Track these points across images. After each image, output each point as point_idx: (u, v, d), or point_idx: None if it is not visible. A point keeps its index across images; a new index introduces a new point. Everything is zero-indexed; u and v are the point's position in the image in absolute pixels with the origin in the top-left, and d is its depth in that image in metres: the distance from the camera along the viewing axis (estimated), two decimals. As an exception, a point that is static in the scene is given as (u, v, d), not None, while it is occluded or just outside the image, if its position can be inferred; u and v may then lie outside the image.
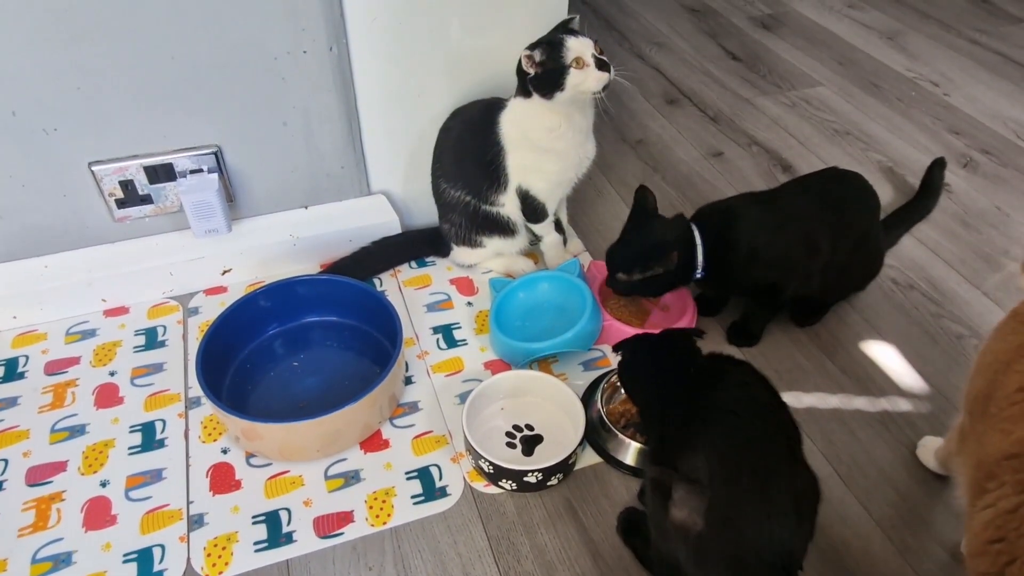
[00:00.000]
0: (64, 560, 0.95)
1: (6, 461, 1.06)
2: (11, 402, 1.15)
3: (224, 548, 0.96)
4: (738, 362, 0.91)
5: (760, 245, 1.12)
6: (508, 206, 1.26)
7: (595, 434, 1.08)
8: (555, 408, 1.12)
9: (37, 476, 1.05)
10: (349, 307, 1.22)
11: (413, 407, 1.15)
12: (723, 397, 0.84)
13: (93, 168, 1.21)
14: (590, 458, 1.07)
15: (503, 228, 1.29)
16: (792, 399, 1.16)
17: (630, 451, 1.05)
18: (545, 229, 1.32)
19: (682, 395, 0.86)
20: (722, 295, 1.30)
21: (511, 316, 1.24)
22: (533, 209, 1.25)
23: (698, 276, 1.14)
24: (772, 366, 1.21)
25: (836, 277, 1.21)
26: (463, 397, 1.13)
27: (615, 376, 1.12)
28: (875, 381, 1.19)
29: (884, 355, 1.24)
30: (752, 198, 1.20)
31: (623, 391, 1.09)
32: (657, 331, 1.00)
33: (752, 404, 0.84)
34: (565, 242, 1.39)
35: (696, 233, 1.12)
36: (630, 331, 1.21)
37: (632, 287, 1.15)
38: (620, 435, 1.06)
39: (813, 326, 1.28)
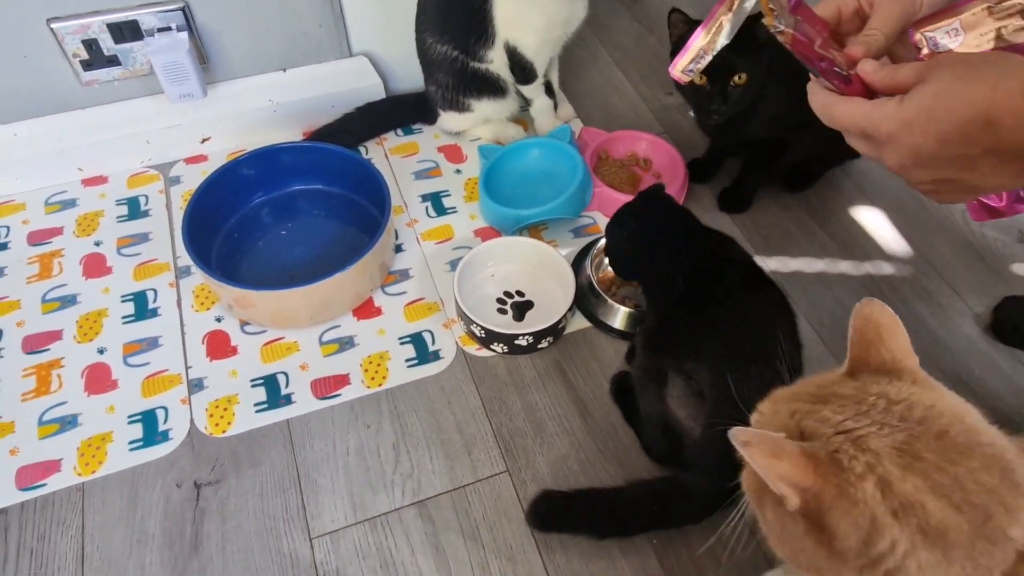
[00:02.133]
0: (70, 422, 0.98)
1: (1, 331, 1.07)
2: (-2, 273, 1.14)
3: (226, 409, 1.00)
4: (736, 250, 0.91)
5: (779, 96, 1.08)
6: (497, 62, 1.20)
7: (585, 300, 1.10)
8: (545, 274, 1.12)
9: (34, 344, 1.06)
10: (335, 175, 1.20)
11: (404, 275, 1.16)
12: (726, 296, 0.84)
13: (52, 25, 1.13)
14: (580, 323, 1.10)
15: (492, 88, 1.24)
16: (778, 264, 1.18)
17: (619, 316, 1.08)
18: (535, 92, 1.27)
19: (684, 273, 0.86)
20: (723, 151, 1.26)
21: (501, 183, 1.22)
22: (522, 68, 1.20)
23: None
24: (761, 232, 1.22)
25: (834, 142, 1.18)
26: (453, 264, 1.14)
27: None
28: (861, 246, 1.20)
29: (873, 221, 1.24)
30: None
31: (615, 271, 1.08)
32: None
33: (754, 301, 0.85)
34: (556, 107, 1.34)
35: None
36: (621, 198, 1.20)
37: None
38: (610, 301, 1.08)
39: (804, 192, 1.27)
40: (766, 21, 0.53)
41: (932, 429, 0.48)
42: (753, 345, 0.80)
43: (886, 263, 1.18)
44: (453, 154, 1.33)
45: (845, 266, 1.18)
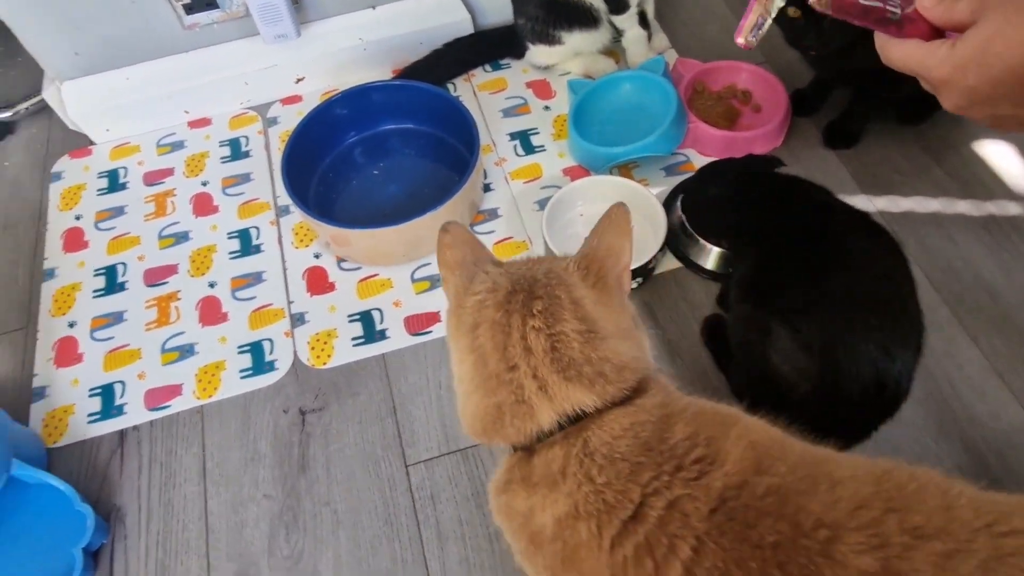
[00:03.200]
0: (188, 350, 1.06)
1: (125, 264, 1.16)
2: (119, 211, 1.23)
3: (325, 343, 1.05)
4: (842, 204, 0.86)
5: None
6: None
7: (676, 239, 1.07)
8: (635, 214, 1.09)
9: (153, 278, 1.14)
10: (425, 114, 1.20)
11: (492, 214, 1.16)
12: (836, 245, 0.80)
13: (156, -30, 1.17)
14: (670, 263, 1.08)
15: (584, 19, 1.20)
16: (888, 203, 1.10)
17: (711, 256, 1.05)
18: (628, 22, 1.21)
19: (783, 230, 0.83)
20: (829, 82, 1.18)
21: (591, 120, 1.19)
22: (615, -3, 1.15)
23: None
24: (869, 169, 1.14)
25: None
26: (542, 204, 1.13)
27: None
28: (984, 184, 1.11)
29: (1000, 157, 1.14)
30: None
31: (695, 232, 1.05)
32: (737, 156, 0.95)
33: (870, 255, 0.80)
34: (650, 38, 1.28)
35: None
36: (717, 134, 1.15)
37: None
38: (702, 241, 1.05)
39: (920, 126, 1.18)
40: None
41: None
42: (869, 297, 0.76)
43: (1013, 203, 1.09)
44: (542, 90, 1.30)
45: (964, 206, 1.09)
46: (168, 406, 1.02)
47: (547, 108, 1.28)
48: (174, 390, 1.03)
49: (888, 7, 0.54)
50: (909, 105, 1.17)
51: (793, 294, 0.80)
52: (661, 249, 1.04)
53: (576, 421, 0.53)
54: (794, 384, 0.85)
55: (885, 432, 0.79)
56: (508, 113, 1.28)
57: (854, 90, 1.14)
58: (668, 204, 1.10)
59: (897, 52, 0.54)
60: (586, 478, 0.51)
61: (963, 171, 1.13)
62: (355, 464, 0.95)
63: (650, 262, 1.02)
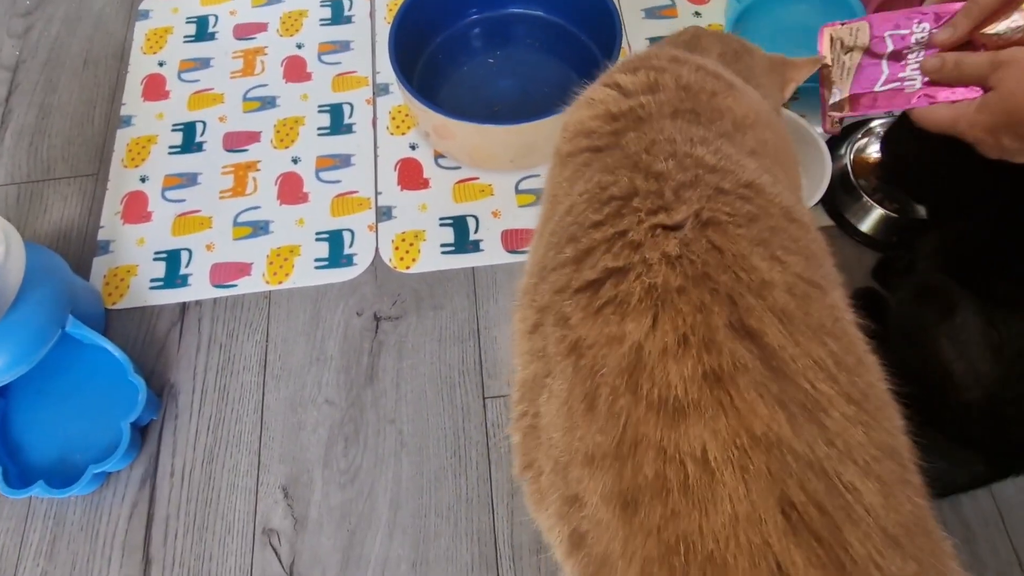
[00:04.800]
0: (262, 227, 0.97)
1: (204, 123, 1.06)
2: (205, 63, 1.11)
3: (412, 245, 0.94)
4: None
5: None
6: None
7: (832, 193, 0.91)
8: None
9: (233, 142, 1.04)
10: (561, 2, 1.03)
11: (617, 129, 1.01)
12: None
13: None
14: (820, 219, 0.91)
15: None
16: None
17: (871, 218, 0.88)
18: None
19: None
20: None
21: (751, 36, 1.00)
22: None
23: None
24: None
25: None
26: (678, 126, 0.97)
27: (879, 126, 0.90)
28: None
29: None
30: None
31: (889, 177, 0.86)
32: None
33: None
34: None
35: None
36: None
37: None
38: (865, 197, 0.88)
39: None
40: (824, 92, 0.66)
41: None
42: None
43: None
44: (693, -8, 1.11)
45: None
46: (235, 285, 0.93)
47: (697, 14, 1.09)
48: (243, 268, 0.94)
49: (905, 82, 0.61)
50: None
51: (1005, 282, 0.64)
52: (817, 203, 0.87)
53: None
54: (962, 386, 0.70)
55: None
56: (651, 14, 1.10)
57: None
58: (832, 147, 0.93)
59: (930, 121, 0.59)
60: None
61: None
62: (428, 385, 0.86)
63: (800, 214, 0.86)
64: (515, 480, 0.77)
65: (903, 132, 0.80)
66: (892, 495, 0.36)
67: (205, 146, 1.04)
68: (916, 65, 0.61)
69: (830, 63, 0.67)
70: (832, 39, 0.68)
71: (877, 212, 0.88)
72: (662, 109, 0.49)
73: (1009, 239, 0.64)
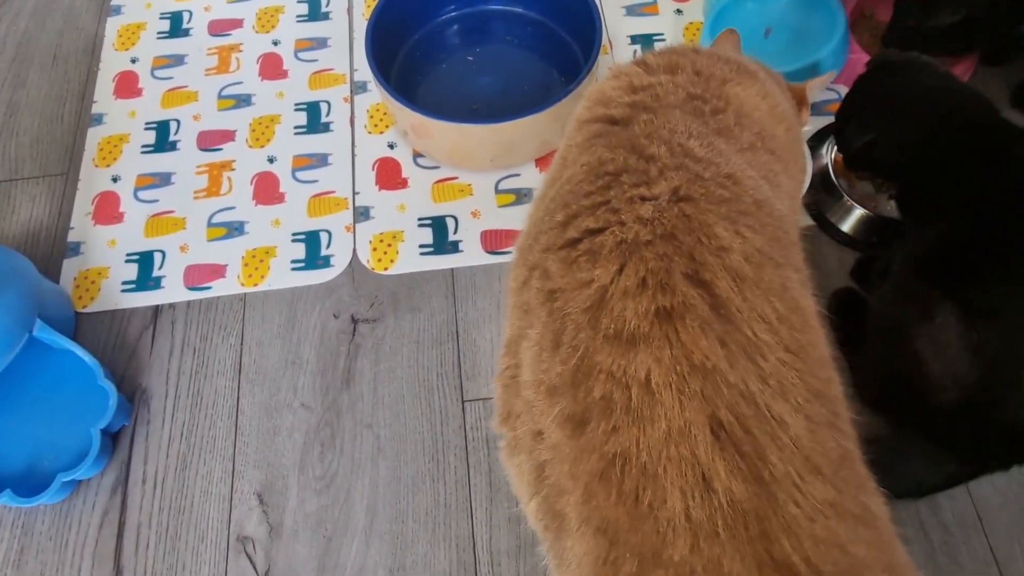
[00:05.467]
0: (237, 228, 0.95)
1: (178, 122, 1.03)
2: (179, 60, 1.09)
3: (390, 245, 0.92)
4: None
5: None
6: None
7: (813, 192, 0.90)
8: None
9: (208, 141, 1.02)
10: (539, -2, 1.02)
11: (597, 128, 1.00)
12: None
13: None
14: (802, 219, 0.91)
15: None
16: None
17: (852, 218, 0.88)
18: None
19: (996, 202, 0.64)
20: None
21: (732, 33, 1.00)
22: None
23: None
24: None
25: None
26: (659, 125, 0.96)
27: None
28: None
29: None
30: None
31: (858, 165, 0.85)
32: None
33: None
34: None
35: None
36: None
37: (925, 40, 0.85)
38: (845, 197, 0.88)
39: None
40: None
41: None
42: None
43: None
44: (675, -11, 1.10)
45: None
46: (209, 287, 0.91)
47: (679, 12, 1.08)
48: (217, 270, 0.92)
49: None
50: None
51: (985, 286, 0.63)
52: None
53: None
54: (938, 387, 0.69)
55: None
56: (632, 11, 1.09)
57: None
58: (813, 148, 0.92)
59: None
60: None
61: None
62: (406, 388, 0.84)
63: (780, 214, 0.86)
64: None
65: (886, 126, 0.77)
66: (818, 432, 0.40)
67: (179, 145, 1.02)
68: None
69: None
70: None
71: (857, 212, 0.88)
72: (677, 92, 0.55)
73: (983, 244, 0.64)
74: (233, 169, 0.99)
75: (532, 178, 0.96)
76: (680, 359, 0.39)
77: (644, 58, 0.60)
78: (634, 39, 1.06)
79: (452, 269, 0.91)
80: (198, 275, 0.92)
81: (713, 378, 0.39)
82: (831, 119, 0.95)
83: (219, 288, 0.91)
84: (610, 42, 1.06)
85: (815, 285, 0.88)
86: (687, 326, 0.40)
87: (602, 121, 0.55)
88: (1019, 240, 0.62)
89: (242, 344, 0.88)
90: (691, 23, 1.07)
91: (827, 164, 0.90)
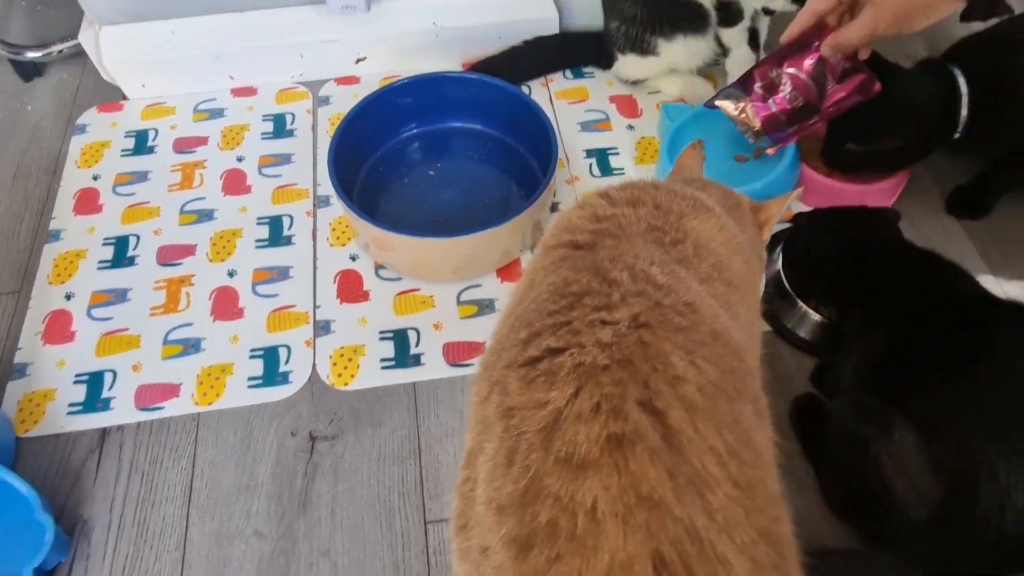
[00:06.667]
0: (194, 345, 0.93)
1: (138, 237, 1.03)
2: (142, 176, 1.10)
3: (351, 360, 0.91)
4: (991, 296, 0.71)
5: None
6: None
7: (768, 299, 0.92)
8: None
9: (168, 256, 1.01)
10: (498, 116, 1.07)
11: (557, 238, 1.02)
12: (993, 347, 0.65)
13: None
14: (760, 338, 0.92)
15: (691, 20, 1.05)
16: (1021, 291, 0.95)
17: (808, 324, 0.90)
18: (736, 38, 1.07)
19: (925, 313, 0.67)
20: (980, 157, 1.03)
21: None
22: (727, 5, 1.01)
23: (957, 136, 0.89)
24: (999, 247, 0.99)
25: None
26: (616, 235, 0.99)
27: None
28: None
29: None
30: None
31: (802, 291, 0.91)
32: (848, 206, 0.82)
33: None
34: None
35: (960, 79, 0.86)
36: (825, 181, 1.00)
37: (865, 161, 0.93)
38: (799, 303, 0.90)
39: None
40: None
41: None
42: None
43: None
44: (627, 107, 1.16)
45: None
46: (161, 407, 0.88)
47: (631, 128, 1.13)
48: (171, 390, 0.89)
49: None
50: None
51: (931, 394, 0.64)
52: (753, 308, 0.89)
53: None
54: (906, 505, 0.69)
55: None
56: (587, 127, 1.14)
57: (994, 157, 0.99)
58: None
59: (846, 42, 0.82)
60: None
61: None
62: (365, 511, 0.81)
63: (738, 321, 0.87)
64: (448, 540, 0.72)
65: (809, 241, 0.84)
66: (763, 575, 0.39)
67: (137, 260, 1.01)
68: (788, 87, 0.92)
69: (736, 115, 0.96)
70: (727, 108, 0.97)
71: (813, 318, 0.89)
72: (639, 223, 0.57)
73: (922, 354, 0.65)
74: (192, 284, 0.98)
75: (494, 289, 0.97)
76: (628, 488, 0.39)
77: (607, 191, 0.62)
78: (589, 153, 1.10)
79: (414, 383, 0.90)
80: (150, 395, 0.89)
81: (659, 511, 0.38)
82: (783, 226, 0.99)
83: (171, 408, 0.88)
84: (567, 156, 1.10)
85: (775, 390, 0.89)
86: (637, 455, 0.40)
87: (567, 247, 0.57)
88: (945, 343, 0.63)
89: (194, 467, 0.84)
90: (643, 137, 1.12)
91: (780, 271, 0.92)
